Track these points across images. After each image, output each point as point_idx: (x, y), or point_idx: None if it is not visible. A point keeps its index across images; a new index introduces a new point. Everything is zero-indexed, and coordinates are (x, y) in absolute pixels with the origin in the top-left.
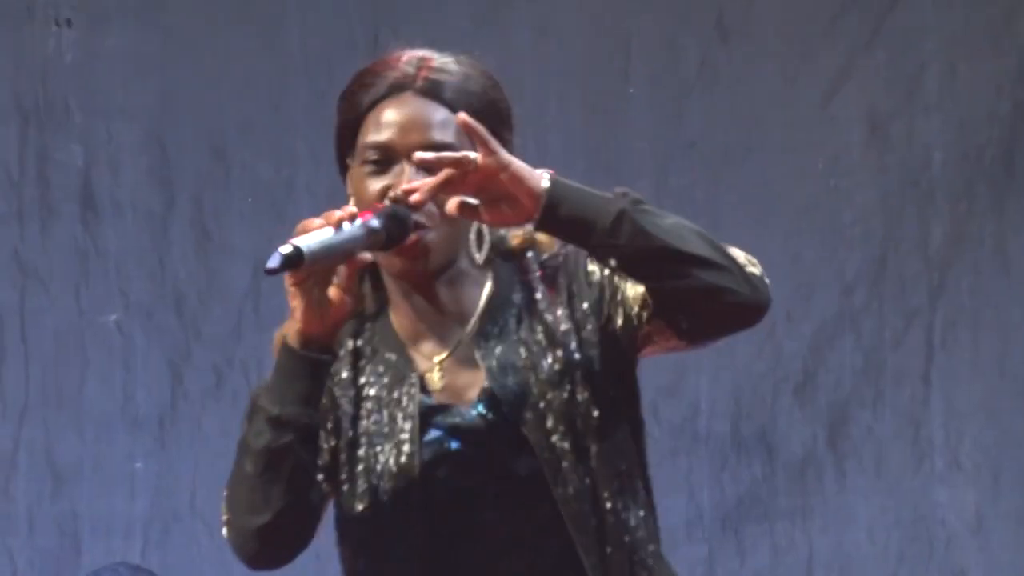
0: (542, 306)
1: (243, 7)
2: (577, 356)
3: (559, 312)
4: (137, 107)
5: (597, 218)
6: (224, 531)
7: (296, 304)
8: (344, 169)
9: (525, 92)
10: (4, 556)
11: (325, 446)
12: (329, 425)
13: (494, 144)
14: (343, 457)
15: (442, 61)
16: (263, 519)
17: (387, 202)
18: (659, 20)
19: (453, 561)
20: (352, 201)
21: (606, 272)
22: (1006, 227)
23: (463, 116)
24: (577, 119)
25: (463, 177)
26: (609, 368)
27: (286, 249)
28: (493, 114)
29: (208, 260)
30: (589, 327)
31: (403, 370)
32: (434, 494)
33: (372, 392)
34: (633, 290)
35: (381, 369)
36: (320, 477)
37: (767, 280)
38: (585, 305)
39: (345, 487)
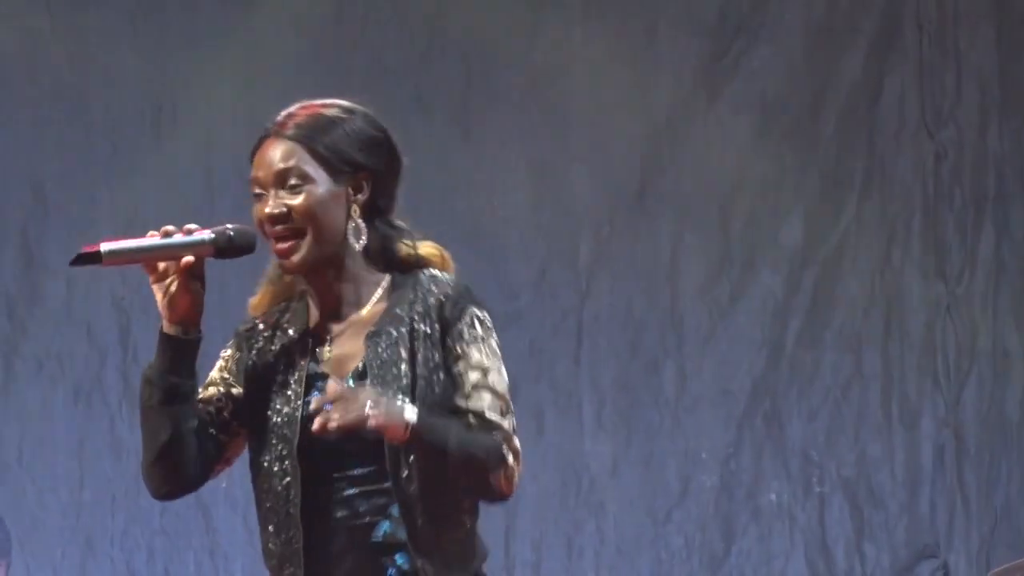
0: (419, 334)
1: (57, 84)
2: (428, 380)
3: (427, 343)
4: None
5: (442, 442)
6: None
7: (157, 297)
8: None
9: None
10: None
11: (229, 404)
12: (234, 389)
13: (357, 416)
14: (249, 411)
15: (301, 110)
16: (149, 456)
17: (227, 227)
18: None
19: (321, 498)
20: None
21: (468, 347)
22: (636, 245)
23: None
24: None
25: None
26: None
27: (87, 249)
28: (337, 152)
29: (31, 275)
30: (439, 372)
31: (302, 342)
32: (309, 443)
33: (274, 360)
34: (469, 378)
35: (285, 341)
36: (213, 431)
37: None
38: (440, 353)
39: (253, 435)
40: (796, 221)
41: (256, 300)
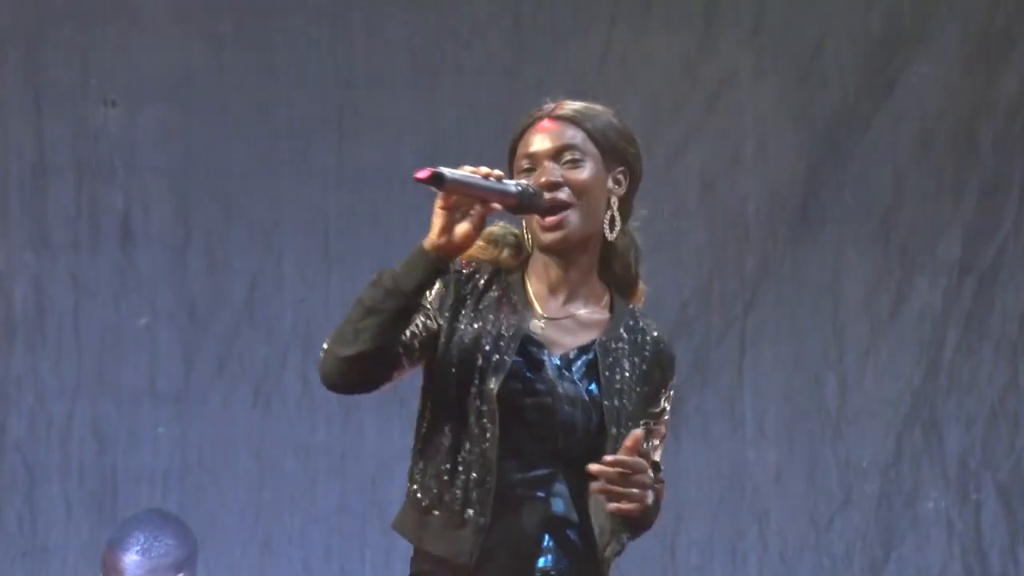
0: (643, 366)
1: (242, 90)
2: (635, 400)
3: (645, 381)
4: (163, 165)
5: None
6: (320, 363)
7: (437, 222)
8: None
9: None
10: (61, 498)
11: (423, 333)
12: (431, 323)
13: (638, 506)
14: (454, 352)
15: (570, 101)
16: (349, 351)
17: (527, 184)
18: None
19: (511, 445)
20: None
21: (667, 403)
22: (800, 258)
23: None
24: None
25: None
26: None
27: (436, 169)
28: (607, 140)
29: (214, 278)
30: (642, 401)
31: (521, 310)
32: (504, 394)
33: (490, 316)
34: (655, 439)
35: (503, 303)
36: (400, 350)
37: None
38: (658, 397)
39: (443, 372)
40: (954, 233)
41: (473, 252)
